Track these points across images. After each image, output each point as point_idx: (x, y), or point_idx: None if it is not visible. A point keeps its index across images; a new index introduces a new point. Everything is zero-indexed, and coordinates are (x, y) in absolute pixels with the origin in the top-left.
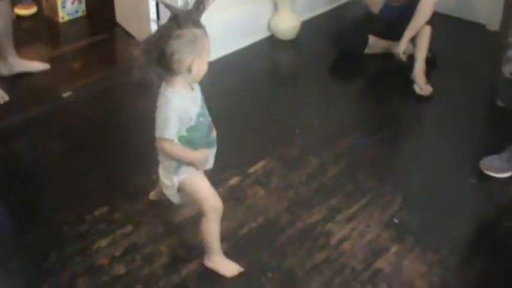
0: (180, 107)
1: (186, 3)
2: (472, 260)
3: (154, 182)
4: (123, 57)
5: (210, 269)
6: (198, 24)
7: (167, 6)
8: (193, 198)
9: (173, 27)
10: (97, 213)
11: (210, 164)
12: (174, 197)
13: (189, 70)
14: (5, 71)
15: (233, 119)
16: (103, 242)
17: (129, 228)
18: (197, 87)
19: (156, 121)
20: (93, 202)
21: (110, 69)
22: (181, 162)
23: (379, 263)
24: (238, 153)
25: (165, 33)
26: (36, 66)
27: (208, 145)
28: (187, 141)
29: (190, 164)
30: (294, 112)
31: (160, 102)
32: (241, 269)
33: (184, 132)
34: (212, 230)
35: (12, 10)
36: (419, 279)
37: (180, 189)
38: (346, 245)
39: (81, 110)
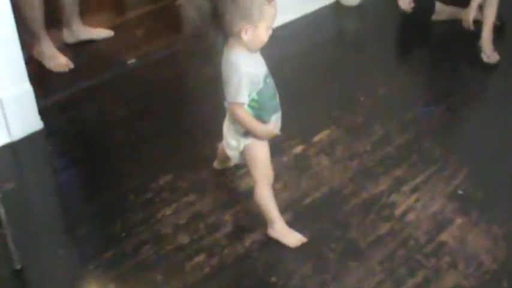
0: (250, 70)
1: None
2: None
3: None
4: (188, 24)
5: (273, 238)
6: None
7: None
8: (249, 162)
9: None
10: (161, 181)
11: (277, 129)
12: (235, 157)
13: (240, 35)
14: (70, 39)
15: (297, 85)
16: (167, 211)
17: (193, 196)
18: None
19: (226, 86)
20: (158, 170)
21: (174, 36)
22: None
23: (443, 236)
24: (302, 122)
25: None
26: (101, 33)
27: (275, 108)
28: (258, 104)
29: (252, 133)
30: (359, 80)
31: (228, 66)
32: (304, 239)
33: (255, 96)
34: (266, 197)
35: None
36: (483, 253)
37: (243, 152)
38: (411, 217)
39: (145, 77)
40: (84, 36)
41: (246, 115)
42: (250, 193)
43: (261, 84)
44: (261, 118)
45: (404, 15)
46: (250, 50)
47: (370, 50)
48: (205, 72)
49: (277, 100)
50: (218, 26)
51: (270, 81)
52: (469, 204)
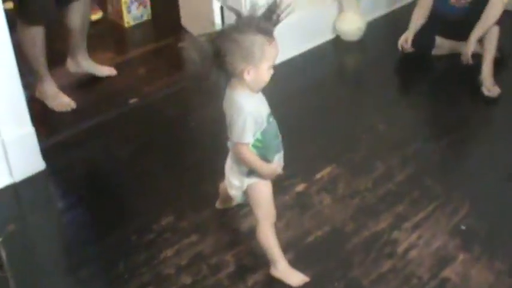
0: (254, 110)
1: (254, 10)
2: None
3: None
4: (189, 65)
5: (276, 278)
6: (263, 31)
7: (231, 9)
8: (252, 202)
9: (233, 30)
10: (164, 221)
11: (280, 168)
12: (238, 197)
13: (242, 76)
14: (73, 68)
15: (298, 124)
16: (169, 252)
17: (195, 237)
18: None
19: (231, 126)
20: (161, 210)
21: (177, 74)
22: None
23: (446, 272)
24: (304, 159)
25: (223, 33)
26: (105, 71)
27: (278, 147)
28: (262, 144)
29: (257, 173)
30: (360, 116)
31: (231, 107)
32: (307, 279)
33: (259, 135)
34: (269, 237)
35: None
36: None
37: (246, 192)
38: (413, 254)
39: (148, 116)
40: (88, 69)
41: (251, 155)
42: (252, 233)
43: (265, 124)
44: (265, 157)
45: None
46: (253, 90)
47: (370, 86)
48: (208, 111)
49: (279, 139)
50: (220, 67)
51: (273, 120)
52: (472, 240)
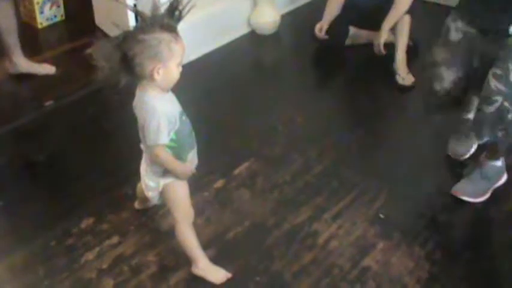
0: (166, 111)
1: (156, 8)
2: (459, 253)
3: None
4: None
5: (198, 276)
6: (168, 28)
7: (136, 11)
8: (169, 202)
9: (138, 31)
10: (83, 225)
11: (194, 166)
12: (155, 198)
13: (152, 76)
14: (12, 70)
15: (215, 119)
16: (90, 255)
17: (115, 239)
18: None
19: (144, 129)
20: (80, 213)
21: (93, 75)
22: None
23: (367, 261)
24: (222, 155)
25: (128, 36)
26: (43, 68)
27: (192, 145)
28: (176, 143)
29: (173, 173)
30: (277, 109)
31: (143, 109)
32: (229, 275)
33: (173, 135)
34: (188, 237)
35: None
36: (407, 275)
37: (162, 193)
38: (334, 244)
39: (64, 119)
40: (27, 69)
41: (167, 156)
42: (172, 231)
43: (178, 123)
44: (180, 156)
45: (318, 41)
46: (164, 89)
47: (287, 79)
48: (125, 111)
49: (193, 136)
50: (129, 70)
51: (186, 118)
52: (391, 227)
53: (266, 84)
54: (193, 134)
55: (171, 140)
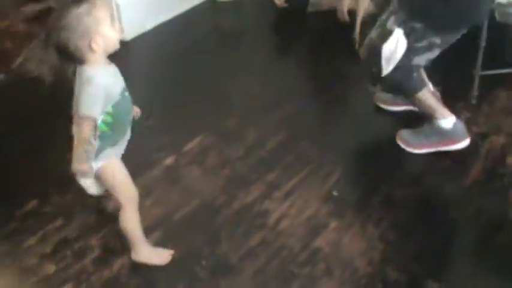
0: (105, 84)
1: None
2: (413, 233)
3: None
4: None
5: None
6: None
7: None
8: (108, 186)
9: (56, 19)
10: (27, 207)
11: (120, 152)
12: (91, 187)
13: (93, 49)
14: None
15: (168, 92)
16: (33, 240)
17: (59, 221)
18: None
19: (78, 99)
20: (24, 195)
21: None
22: (105, 145)
23: (318, 242)
24: (173, 130)
25: (51, 30)
26: None
27: (127, 128)
28: (113, 119)
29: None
30: (234, 80)
31: (82, 80)
32: (171, 252)
33: (110, 109)
34: (132, 221)
35: None
36: (358, 256)
37: (98, 177)
38: (284, 224)
39: (11, 94)
40: None
41: (87, 134)
42: (118, 214)
43: (118, 97)
44: (114, 134)
45: (280, 9)
46: (109, 51)
47: (247, 47)
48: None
49: (131, 117)
50: (70, 59)
51: (128, 95)
52: (344, 205)
53: (225, 54)
54: (132, 114)
55: (107, 113)
